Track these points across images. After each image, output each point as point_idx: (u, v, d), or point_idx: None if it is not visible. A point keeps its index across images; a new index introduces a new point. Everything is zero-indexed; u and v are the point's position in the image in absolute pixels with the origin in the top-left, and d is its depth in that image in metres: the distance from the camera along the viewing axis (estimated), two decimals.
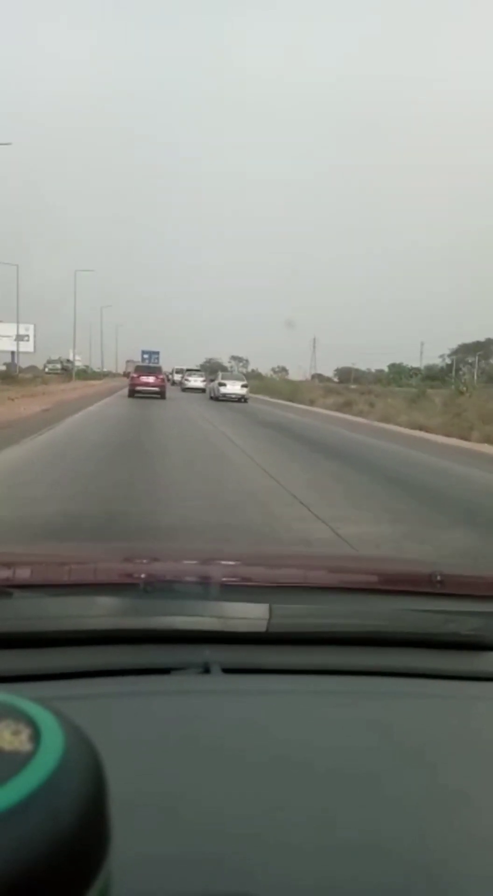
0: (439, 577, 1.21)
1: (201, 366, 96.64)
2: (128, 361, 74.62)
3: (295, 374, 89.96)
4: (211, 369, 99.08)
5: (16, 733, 0.32)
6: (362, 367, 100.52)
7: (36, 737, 0.32)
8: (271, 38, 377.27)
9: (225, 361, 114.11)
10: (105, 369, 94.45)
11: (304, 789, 0.65)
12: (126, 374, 70.81)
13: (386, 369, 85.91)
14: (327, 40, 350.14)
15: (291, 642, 0.99)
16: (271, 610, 0.99)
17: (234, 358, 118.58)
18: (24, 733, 0.33)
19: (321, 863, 0.55)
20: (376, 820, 0.61)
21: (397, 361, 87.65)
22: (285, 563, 1.75)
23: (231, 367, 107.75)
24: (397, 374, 75.34)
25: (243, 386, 31.09)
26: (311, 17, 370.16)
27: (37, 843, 0.28)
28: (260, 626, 0.97)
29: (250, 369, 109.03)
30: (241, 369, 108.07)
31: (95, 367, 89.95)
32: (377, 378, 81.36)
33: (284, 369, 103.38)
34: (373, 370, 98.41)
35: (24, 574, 1.31)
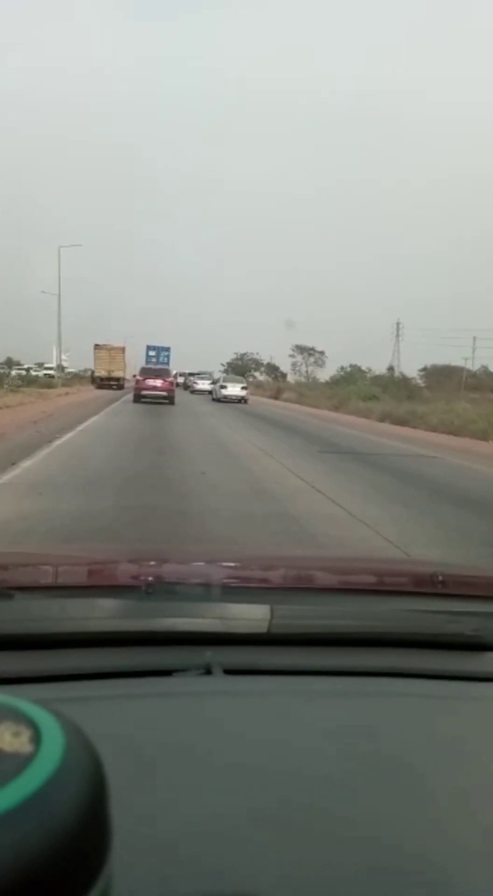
0: (440, 578, 1.21)
1: (230, 363, 77.46)
2: (97, 347, 42.72)
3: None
4: (242, 370, 77.15)
5: (16, 735, 0.32)
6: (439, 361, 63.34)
7: (37, 738, 0.32)
8: (271, 44, 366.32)
9: (285, 354, 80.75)
10: (47, 367, 54.74)
11: (305, 790, 0.65)
12: (98, 380, 40.96)
13: None
14: (326, 47, 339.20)
15: (292, 643, 0.99)
16: (272, 611, 0.99)
17: (301, 349, 78.45)
18: (25, 735, 0.32)
19: (322, 864, 0.55)
20: (378, 821, 0.61)
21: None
22: (286, 565, 1.71)
23: (295, 362, 78.97)
24: None
25: (243, 388, 32.61)
26: (312, 21, 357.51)
27: (37, 844, 0.28)
28: (261, 628, 0.97)
29: (333, 369, 68.71)
30: (311, 366, 78.17)
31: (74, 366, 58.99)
32: None
33: (358, 368, 58.81)
34: (478, 367, 60.80)
35: (26, 576, 1.30)
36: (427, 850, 0.57)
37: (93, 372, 43.59)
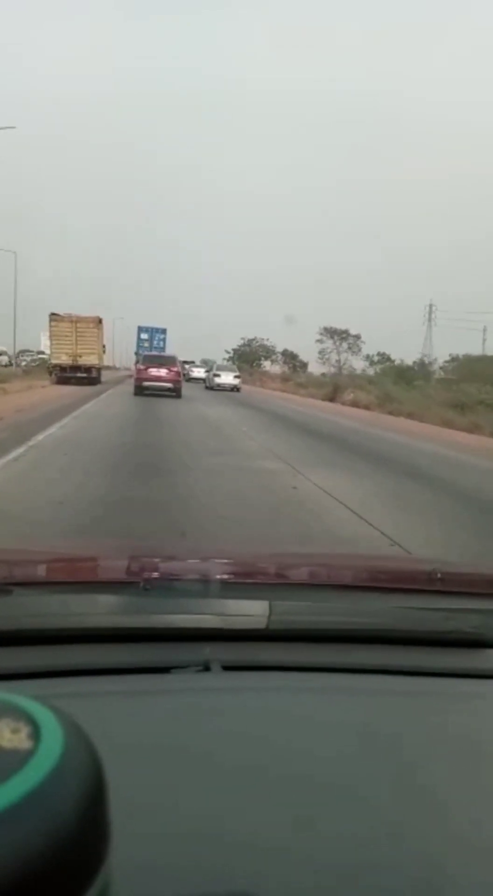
0: (439, 575, 1.20)
1: (236, 350, 66.40)
2: (54, 318, 26.74)
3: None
4: (250, 357, 64.53)
5: (15, 731, 0.32)
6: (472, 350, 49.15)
7: (35, 735, 0.32)
8: (271, 44, 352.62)
9: (311, 338, 64.40)
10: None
11: (305, 787, 0.65)
12: (56, 371, 25.96)
13: None
14: (324, 48, 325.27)
15: (291, 639, 0.99)
16: (270, 607, 0.98)
17: (331, 332, 62.75)
18: (24, 731, 0.32)
19: (321, 862, 0.55)
20: (378, 818, 0.61)
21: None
22: (285, 561, 1.70)
23: (324, 348, 63.18)
24: None
25: (236, 377, 33.93)
26: (312, 22, 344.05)
27: (36, 841, 0.28)
28: (260, 624, 0.96)
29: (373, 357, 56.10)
30: (344, 353, 63.00)
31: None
32: None
33: (387, 358, 48.70)
34: None
35: (24, 571, 1.30)
36: (427, 848, 0.57)
37: (57, 364, 26.49)
